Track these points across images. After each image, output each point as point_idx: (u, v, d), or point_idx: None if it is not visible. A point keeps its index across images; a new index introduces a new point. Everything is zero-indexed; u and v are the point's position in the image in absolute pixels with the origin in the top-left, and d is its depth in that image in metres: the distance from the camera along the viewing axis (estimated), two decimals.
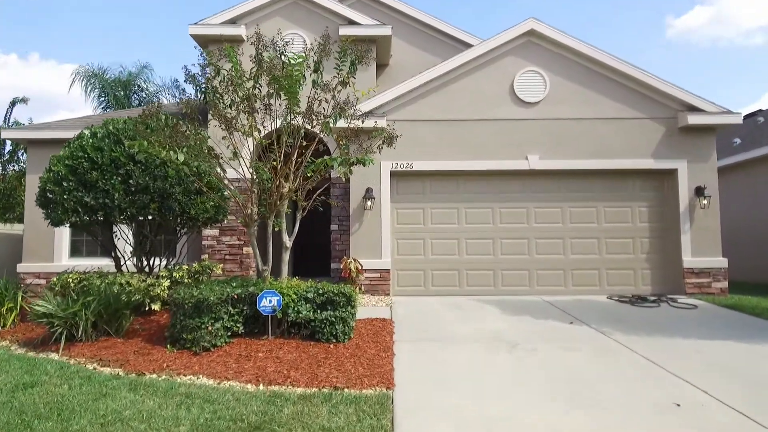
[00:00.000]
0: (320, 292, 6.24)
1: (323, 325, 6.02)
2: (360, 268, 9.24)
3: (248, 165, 6.70)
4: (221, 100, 6.30)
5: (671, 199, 10.01)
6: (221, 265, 8.78)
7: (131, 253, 8.27)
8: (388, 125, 7.86)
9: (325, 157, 5.95)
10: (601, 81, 10.03)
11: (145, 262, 8.25)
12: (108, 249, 8.36)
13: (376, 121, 7.69)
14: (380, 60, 11.69)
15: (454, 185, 10.05)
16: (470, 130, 9.94)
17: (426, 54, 12.04)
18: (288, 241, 6.80)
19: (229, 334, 6.00)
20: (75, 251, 10.92)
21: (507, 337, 6.56)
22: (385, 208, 9.78)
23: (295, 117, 6.12)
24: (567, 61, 10.05)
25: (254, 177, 6.46)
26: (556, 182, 10.06)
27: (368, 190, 9.69)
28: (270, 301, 6.03)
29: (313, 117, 6.08)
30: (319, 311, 6.14)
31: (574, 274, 9.92)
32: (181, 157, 5.38)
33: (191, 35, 10.61)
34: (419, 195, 10.04)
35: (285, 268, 6.78)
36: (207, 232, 10.18)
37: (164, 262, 8.99)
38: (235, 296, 6.03)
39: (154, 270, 8.25)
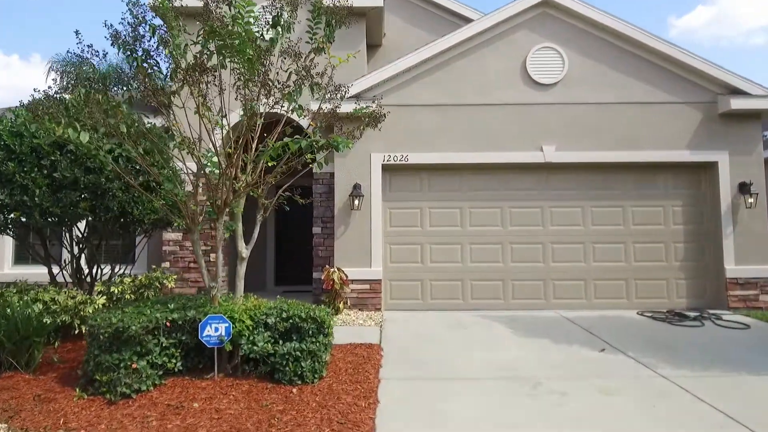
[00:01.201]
0: (284, 316, 4.80)
1: (285, 362, 4.57)
2: (345, 278, 7.79)
3: (201, 154, 5.24)
4: (156, 69, 4.86)
5: (710, 197, 8.55)
6: (174, 276, 7.32)
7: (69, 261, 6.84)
8: (378, 107, 6.43)
9: (286, 139, 4.51)
10: (627, 59, 8.57)
11: (88, 271, 6.83)
12: (53, 254, 6.94)
13: (357, 101, 6.29)
14: (372, 39, 10.26)
15: (457, 181, 8.60)
16: (475, 116, 8.49)
17: (425, 33, 10.58)
18: (244, 250, 5.39)
19: (162, 373, 4.56)
20: (20, 258, 9.48)
21: (525, 372, 5.12)
22: (375, 207, 8.33)
23: (248, 88, 4.68)
24: (588, 36, 8.59)
25: (201, 168, 5.01)
26: (576, 177, 8.60)
27: (356, 187, 8.24)
28: (216, 330, 4.60)
29: (271, 87, 4.61)
30: (281, 342, 4.70)
31: (597, 285, 8.46)
32: (84, 137, 3.94)
33: None
34: (416, 192, 8.59)
35: (241, 284, 5.38)
36: (168, 236, 8.75)
37: (122, 271, 7.55)
38: (168, 324, 4.59)
39: (102, 281, 6.81)
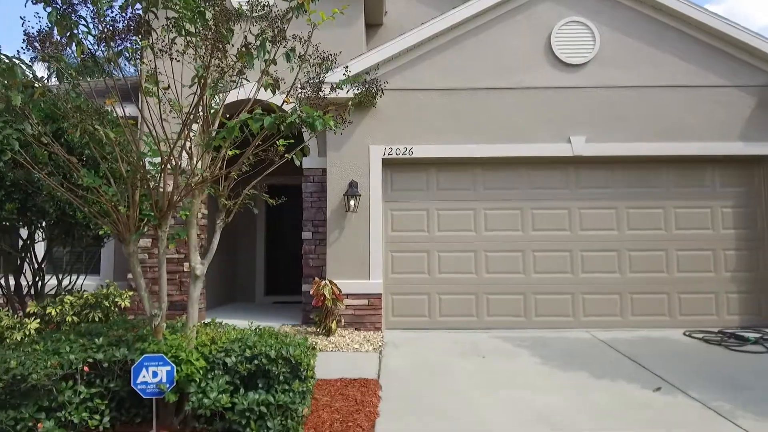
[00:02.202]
0: (248, 354, 3.60)
1: (246, 421, 3.36)
2: (339, 293, 6.59)
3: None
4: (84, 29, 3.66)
5: (766, 196, 7.30)
6: (130, 293, 6.08)
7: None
8: (373, 86, 5.21)
9: (243, 115, 3.30)
10: (668, 35, 7.32)
11: (32, 283, 5.69)
12: None
13: (348, 69, 5.10)
14: (371, 18, 9.05)
15: (470, 178, 7.38)
16: (492, 102, 7.27)
17: (431, 10, 9.33)
18: (199, 266, 4.22)
19: None
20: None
21: (567, 425, 3.91)
22: (375, 209, 7.13)
23: (192, 44, 3.48)
24: (622, 9, 7.36)
25: (137, 159, 3.80)
26: (609, 174, 7.37)
27: (351, 185, 7.05)
28: (155, 374, 3.41)
29: (218, 50, 3.35)
30: (242, 391, 3.50)
31: (635, 300, 7.22)
32: None
33: None
34: (422, 192, 7.38)
35: (194, 311, 4.18)
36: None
37: (81, 282, 6.38)
38: (86, 368, 3.40)
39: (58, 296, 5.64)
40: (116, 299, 5.55)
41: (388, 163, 7.27)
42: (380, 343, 6.26)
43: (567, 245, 7.26)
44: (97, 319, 5.28)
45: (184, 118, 3.72)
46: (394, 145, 7.17)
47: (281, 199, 4.78)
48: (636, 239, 7.27)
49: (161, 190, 3.78)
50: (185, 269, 7.52)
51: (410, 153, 7.16)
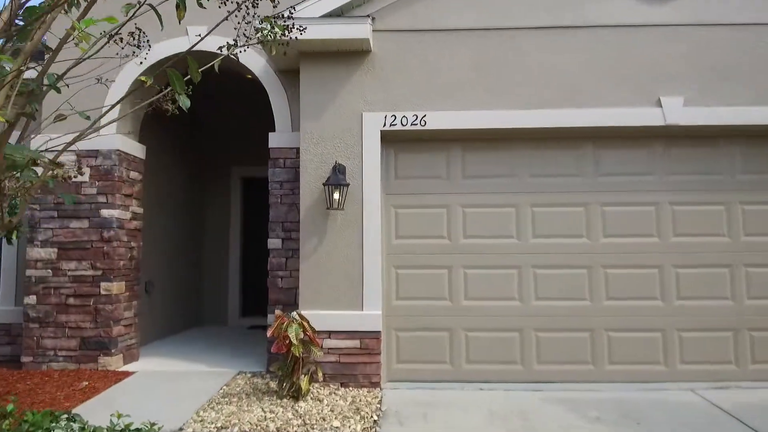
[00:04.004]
0: None
1: None
2: (312, 333, 4.29)
3: None
4: None
5: None
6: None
7: None
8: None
9: None
10: None
11: None
12: None
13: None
14: None
15: (508, 160, 5.07)
16: (540, 49, 4.97)
17: None
18: None
19: None
20: None
21: None
22: (370, 205, 4.85)
23: None
24: None
25: None
26: (717, 152, 5.02)
27: (336, 171, 4.78)
28: None
29: None
30: None
31: (756, 340, 4.86)
32: None
33: None
34: (440, 180, 5.09)
35: None
36: (35, 252, 5.35)
37: None
38: None
39: None
40: None
41: (389, 139, 5.00)
42: (376, 415, 3.97)
43: (655, 258, 4.91)
44: None
45: None
46: (398, 112, 4.89)
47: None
48: (756, 249, 4.91)
49: None
50: (103, 291, 5.30)
51: (422, 123, 4.88)
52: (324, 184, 4.72)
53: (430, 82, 4.92)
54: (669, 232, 4.93)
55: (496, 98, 4.90)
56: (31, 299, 5.32)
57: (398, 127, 4.88)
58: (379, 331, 4.68)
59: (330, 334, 4.65)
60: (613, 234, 4.93)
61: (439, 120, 4.88)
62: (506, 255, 4.93)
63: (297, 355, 4.13)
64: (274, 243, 5.30)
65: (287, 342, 4.10)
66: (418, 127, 4.88)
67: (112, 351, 5.25)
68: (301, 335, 4.22)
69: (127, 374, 5.09)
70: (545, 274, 4.91)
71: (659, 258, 4.91)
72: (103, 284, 5.29)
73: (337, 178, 4.72)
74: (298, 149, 5.17)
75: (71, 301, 5.30)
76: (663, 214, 4.94)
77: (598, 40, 4.95)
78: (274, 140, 5.38)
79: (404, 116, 4.88)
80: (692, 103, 4.83)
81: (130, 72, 5.31)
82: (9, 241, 4.17)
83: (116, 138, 5.40)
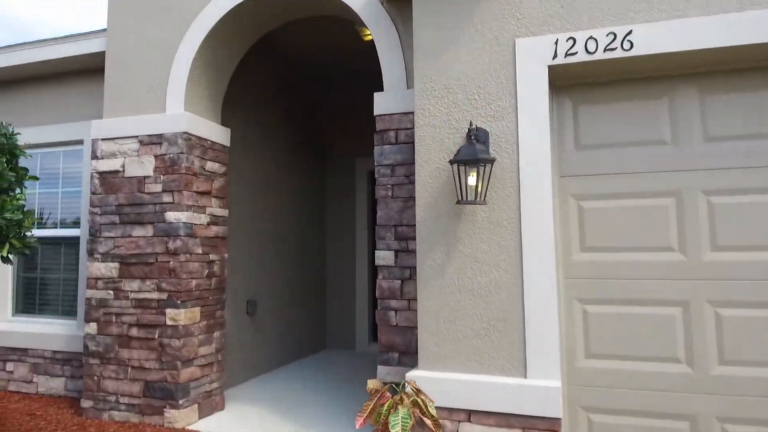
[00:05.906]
0: None
1: None
2: (432, 419, 2.43)
3: None
4: None
5: None
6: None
7: None
8: None
9: None
10: None
11: None
12: None
13: None
14: None
15: None
16: None
17: None
18: None
19: None
20: (26, 304, 5.60)
21: None
22: (533, 195, 2.84)
23: None
24: None
25: None
26: None
27: (471, 137, 2.87)
28: None
29: None
30: None
31: None
32: None
33: None
34: (658, 147, 2.88)
35: None
36: (94, 268, 4.29)
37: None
38: None
39: None
40: None
41: (564, 81, 2.94)
42: None
43: None
44: None
45: None
46: (578, 32, 2.82)
47: None
48: None
49: None
50: (168, 321, 4.03)
51: (625, 46, 2.74)
52: (451, 162, 2.83)
53: None
54: None
55: None
56: (92, 328, 4.26)
57: (580, 57, 2.80)
58: (559, 419, 2.64)
59: (470, 415, 2.75)
60: None
61: (656, 38, 2.69)
62: None
63: None
64: (383, 257, 3.55)
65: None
66: (618, 54, 2.74)
67: (180, 402, 3.95)
68: (415, 417, 2.38)
69: None
70: None
71: None
72: (168, 311, 4.03)
73: (473, 151, 2.79)
74: (413, 114, 3.37)
75: (134, 332, 4.12)
76: None
77: None
78: (381, 103, 3.64)
79: (591, 37, 2.78)
80: None
81: (202, 24, 4.01)
82: (5, 261, 3.01)
83: (183, 117, 4.12)
